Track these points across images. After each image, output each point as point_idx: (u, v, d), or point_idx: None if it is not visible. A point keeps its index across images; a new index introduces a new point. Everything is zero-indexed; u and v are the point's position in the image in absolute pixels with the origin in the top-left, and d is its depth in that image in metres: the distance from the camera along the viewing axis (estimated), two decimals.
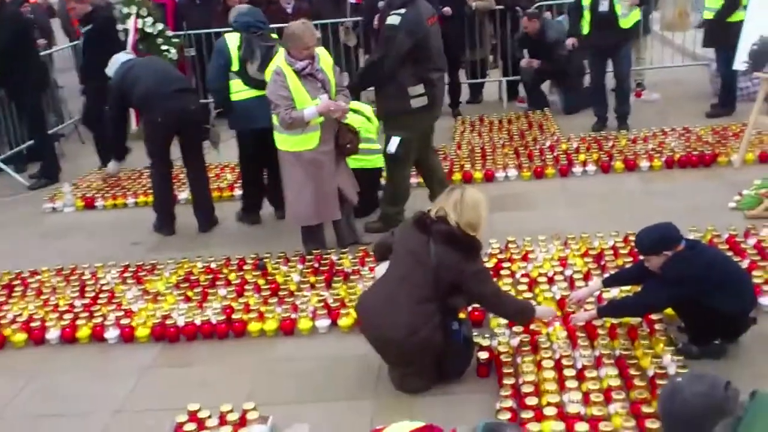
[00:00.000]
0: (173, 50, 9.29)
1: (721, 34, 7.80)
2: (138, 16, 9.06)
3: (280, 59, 5.22)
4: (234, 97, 5.97)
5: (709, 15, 7.96)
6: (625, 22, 7.67)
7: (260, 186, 6.46)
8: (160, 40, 9.22)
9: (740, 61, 6.65)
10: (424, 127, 5.90)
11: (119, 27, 9.22)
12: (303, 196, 5.34)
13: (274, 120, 5.30)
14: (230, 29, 6.08)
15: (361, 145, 5.72)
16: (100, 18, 8.09)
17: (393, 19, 5.46)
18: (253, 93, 5.87)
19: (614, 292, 4.44)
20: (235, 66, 5.89)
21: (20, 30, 7.87)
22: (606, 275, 4.42)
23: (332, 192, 5.39)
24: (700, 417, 2.18)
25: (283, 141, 5.31)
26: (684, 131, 7.55)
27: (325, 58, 5.32)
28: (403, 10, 5.44)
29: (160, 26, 9.23)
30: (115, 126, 6.49)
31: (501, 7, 9.21)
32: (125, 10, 9.24)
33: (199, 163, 6.40)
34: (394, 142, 5.65)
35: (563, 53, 8.64)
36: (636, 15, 7.80)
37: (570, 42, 8.27)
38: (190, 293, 5.10)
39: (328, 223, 5.63)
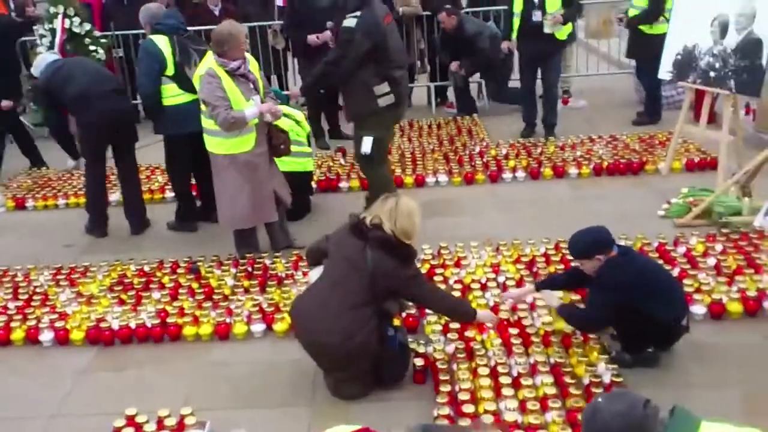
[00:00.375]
0: (101, 51, 9.07)
1: (643, 45, 8.12)
2: (65, 15, 8.82)
3: (209, 61, 5.19)
4: (168, 101, 5.88)
5: (633, 12, 8.22)
6: (560, 34, 7.85)
7: (192, 192, 6.42)
8: (87, 41, 9.00)
9: (665, 71, 6.86)
10: (392, 125, 6.02)
11: (46, 26, 8.99)
12: (239, 199, 5.32)
13: (207, 123, 5.25)
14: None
15: (293, 148, 5.74)
16: None
17: (349, 22, 5.54)
18: (189, 97, 5.81)
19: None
20: (170, 70, 5.80)
21: None
22: (539, 280, 4.55)
23: (268, 194, 5.41)
24: None
25: (218, 144, 5.27)
26: (611, 139, 7.78)
27: (251, 60, 5.35)
28: (358, 13, 5.52)
29: (87, 26, 8.99)
30: (55, 126, 6.34)
31: (428, 12, 9.30)
32: (52, 10, 8.98)
33: (131, 164, 6.32)
34: (367, 142, 5.71)
35: (484, 46, 8.74)
36: (568, 27, 7.99)
37: (506, 45, 8.40)
38: (124, 296, 5.05)
39: (260, 227, 5.63)
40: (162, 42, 5.80)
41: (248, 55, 5.35)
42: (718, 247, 5.20)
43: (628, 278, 3.79)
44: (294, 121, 6.33)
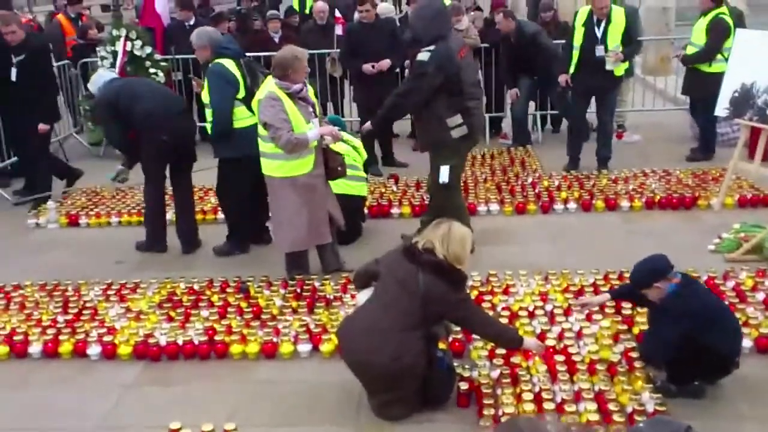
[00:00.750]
0: (161, 74, 9.35)
1: (700, 83, 8.05)
2: (127, 38, 9.13)
3: (269, 85, 5.28)
4: (238, 124, 5.90)
5: (692, 50, 8.16)
6: (618, 70, 7.80)
7: (247, 215, 6.38)
8: (148, 63, 9.29)
9: (722, 108, 6.83)
10: (466, 154, 6.11)
11: (108, 48, 9.31)
12: (297, 221, 5.38)
13: (266, 147, 5.32)
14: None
15: (349, 171, 5.81)
16: (32, 47, 7.53)
17: (423, 56, 5.57)
18: (255, 119, 5.72)
19: None
20: (241, 93, 5.87)
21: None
22: (613, 289, 4.58)
23: (324, 216, 5.48)
24: None
25: (278, 167, 5.34)
26: (664, 173, 7.70)
27: (308, 85, 5.44)
28: (433, 47, 5.55)
29: (148, 49, 9.30)
30: (118, 140, 6.40)
31: (486, 45, 9.32)
32: (115, 32, 9.35)
33: (188, 184, 6.44)
34: (445, 171, 5.75)
35: (548, 43, 8.70)
36: (625, 64, 7.96)
37: (563, 79, 8.20)
38: (172, 313, 5.12)
39: (311, 249, 5.68)
40: (231, 65, 5.87)
41: None
42: None
43: (693, 306, 3.80)
44: (351, 147, 6.43)
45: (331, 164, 5.48)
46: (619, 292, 4.41)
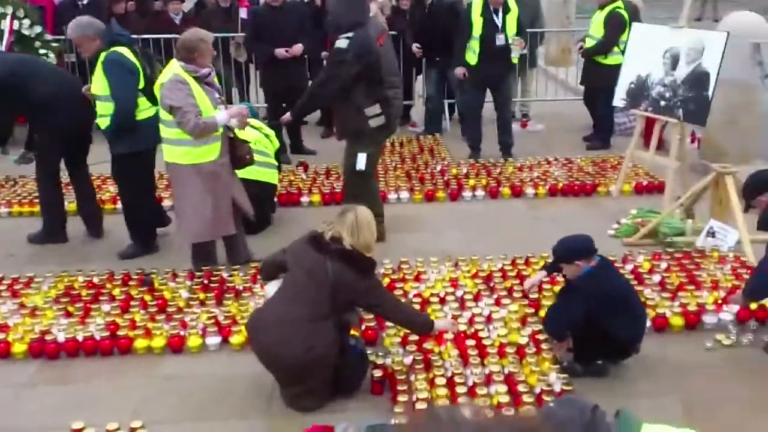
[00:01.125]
0: (52, 55, 8.84)
1: (597, 74, 8.30)
2: (14, 17, 8.62)
3: (174, 67, 5.06)
4: (139, 116, 5.56)
5: (590, 42, 8.38)
6: (515, 58, 7.96)
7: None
8: (38, 44, 8.79)
9: (619, 98, 7.06)
10: (383, 142, 6.09)
11: None
12: (202, 210, 5.20)
13: (170, 133, 5.11)
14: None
15: (260, 158, 5.69)
16: None
17: (341, 43, 5.46)
18: (155, 110, 5.50)
19: None
20: (141, 83, 5.55)
21: None
22: (547, 264, 4.61)
23: (228, 207, 5.31)
24: None
25: (184, 154, 5.12)
26: (566, 161, 7.90)
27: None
28: (351, 34, 5.43)
29: (38, 29, 8.80)
30: (4, 117, 6.11)
31: (394, 32, 9.17)
32: (0, 9, 8.81)
33: (87, 173, 6.21)
34: (362, 158, 5.69)
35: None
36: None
37: (460, 72, 8.19)
38: (71, 308, 4.89)
39: (218, 240, 5.53)
40: (129, 54, 5.53)
41: None
42: (663, 265, 5.43)
43: (603, 288, 3.89)
44: (263, 135, 6.30)
45: (238, 153, 5.32)
46: (551, 266, 4.40)
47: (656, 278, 5.18)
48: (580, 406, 2.35)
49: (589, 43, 8.42)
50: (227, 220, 5.32)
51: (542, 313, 4.63)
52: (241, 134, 5.52)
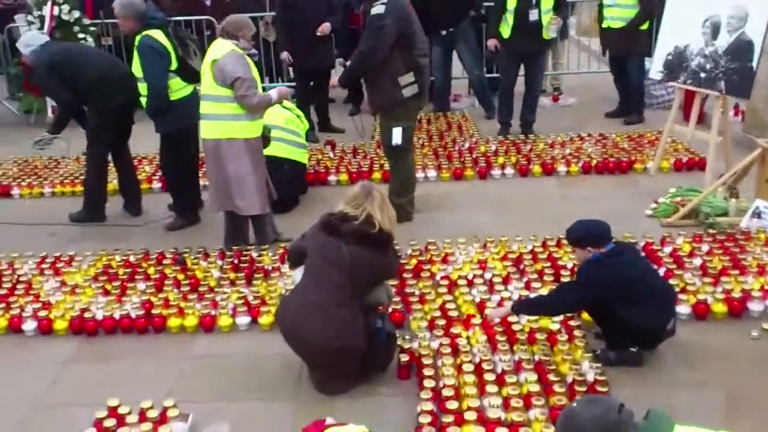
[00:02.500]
0: (90, 39, 9.05)
1: (628, 42, 8.10)
2: (54, 3, 8.78)
3: (226, 45, 5.15)
4: (174, 96, 5.75)
5: (617, 24, 8.20)
6: (547, 34, 7.85)
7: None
8: (77, 28, 8.97)
9: (656, 71, 6.85)
10: (416, 114, 6.05)
11: (35, 13, 8.93)
12: (260, 183, 5.35)
13: (227, 108, 5.14)
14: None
15: (292, 137, 5.75)
16: None
17: (378, 9, 5.47)
18: (191, 88, 5.82)
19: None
20: (174, 64, 5.71)
21: None
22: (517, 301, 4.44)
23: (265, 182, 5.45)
24: None
25: (241, 128, 5.20)
26: (600, 137, 7.79)
27: None
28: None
29: (76, 14, 9.00)
30: (71, 103, 6.16)
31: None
32: None
33: (128, 152, 6.42)
34: (397, 132, 5.69)
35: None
36: None
37: (492, 43, 8.24)
38: (108, 286, 5.01)
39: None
40: (161, 36, 5.68)
41: None
42: (704, 247, 5.22)
43: (603, 280, 3.81)
44: (295, 115, 6.36)
45: (264, 132, 5.47)
46: (519, 307, 4.21)
47: (697, 262, 4.98)
48: (605, 405, 2.31)
49: (614, 11, 8.19)
50: (266, 195, 5.46)
51: None
52: (270, 114, 5.59)
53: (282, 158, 5.93)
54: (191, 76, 5.74)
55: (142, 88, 5.76)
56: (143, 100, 5.80)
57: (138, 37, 5.68)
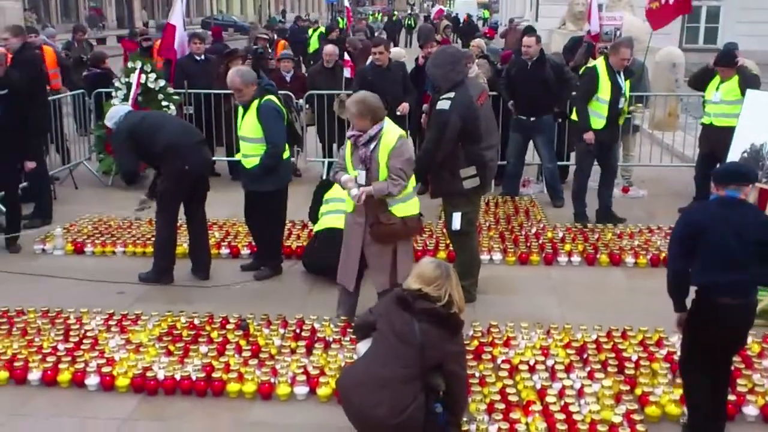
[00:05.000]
0: (173, 107, 9.47)
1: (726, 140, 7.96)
2: (142, 71, 9.24)
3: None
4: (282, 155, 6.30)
5: (722, 122, 7.93)
6: (621, 120, 7.85)
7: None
8: (161, 96, 9.41)
9: None
10: (478, 201, 6.14)
11: (123, 80, 9.41)
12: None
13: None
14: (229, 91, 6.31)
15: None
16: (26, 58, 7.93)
17: (443, 104, 5.56)
18: (288, 151, 6.34)
19: None
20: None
21: (35, 74, 7.89)
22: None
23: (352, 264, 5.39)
24: None
25: (412, 205, 5.28)
26: (670, 230, 7.60)
27: (387, 138, 5.10)
28: (452, 94, 5.55)
29: (162, 83, 9.44)
30: (130, 172, 6.55)
31: (494, 93, 9.16)
32: (130, 64, 9.47)
33: (203, 214, 6.59)
34: (456, 218, 5.77)
35: (570, 76, 8.50)
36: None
37: (590, 137, 7.76)
38: (172, 347, 5.10)
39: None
40: (277, 102, 6.19)
41: (390, 131, 5.19)
42: None
43: (689, 216, 3.97)
44: None
45: (382, 220, 5.31)
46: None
47: (767, 363, 4.89)
48: None
49: (719, 108, 7.99)
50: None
51: (638, 391, 4.51)
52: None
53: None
54: (295, 138, 6.24)
55: (251, 148, 6.16)
56: (248, 161, 6.17)
57: (257, 102, 6.08)
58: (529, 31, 9.08)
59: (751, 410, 4.27)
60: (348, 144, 5.25)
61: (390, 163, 5.04)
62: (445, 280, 3.84)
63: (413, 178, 5.27)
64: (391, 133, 5.10)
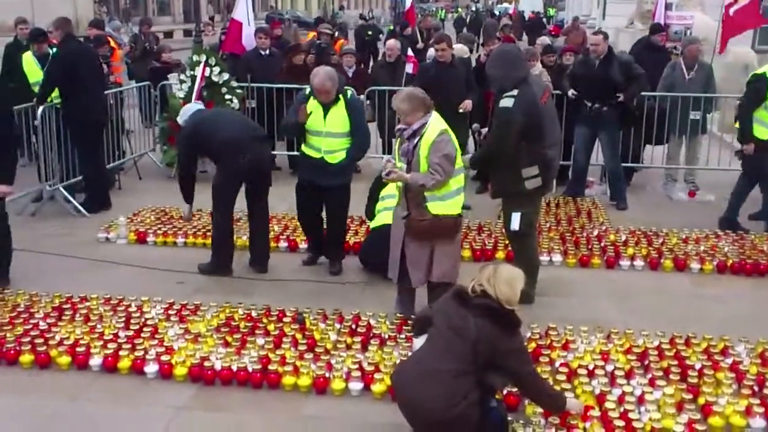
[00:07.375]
0: (236, 101, 9.58)
1: None
2: (207, 64, 9.37)
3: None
4: None
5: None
6: None
7: None
8: (224, 89, 9.52)
9: None
10: (539, 201, 6.08)
11: (188, 72, 9.55)
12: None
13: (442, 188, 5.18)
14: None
15: None
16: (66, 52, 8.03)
17: (506, 102, 5.49)
18: None
19: None
20: None
21: (72, 65, 7.95)
22: None
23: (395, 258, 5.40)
24: None
25: (454, 204, 5.26)
26: (738, 237, 7.44)
27: (429, 132, 5.08)
28: (515, 92, 5.48)
29: (226, 76, 9.55)
30: (186, 170, 6.57)
31: (558, 92, 8.94)
32: (195, 58, 9.62)
33: (265, 209, 6.64)
34: (516, 218, 5.70)
35: (640, 72, 8.37)
36: None
37: (750, 149, 7.52)
38: (229, 338, 5.15)
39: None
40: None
41: (434, 124, 5.19)
42: None
43: None
44: None
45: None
46: None
47: None
48: None
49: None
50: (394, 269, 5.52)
51: (701, 400, 4.37)
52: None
53: None
54: None
55: (337, 143, 6.20)
56: (333, 156, 6.20)
57: (343, 97, 6.17)
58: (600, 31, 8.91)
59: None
60: (397, 138, 5.29)
61: (429, 157, 5.04)
62: (478, 274, 3.87)
63: (460, 177, 5.19)
64: (433, 127, 5.09)
